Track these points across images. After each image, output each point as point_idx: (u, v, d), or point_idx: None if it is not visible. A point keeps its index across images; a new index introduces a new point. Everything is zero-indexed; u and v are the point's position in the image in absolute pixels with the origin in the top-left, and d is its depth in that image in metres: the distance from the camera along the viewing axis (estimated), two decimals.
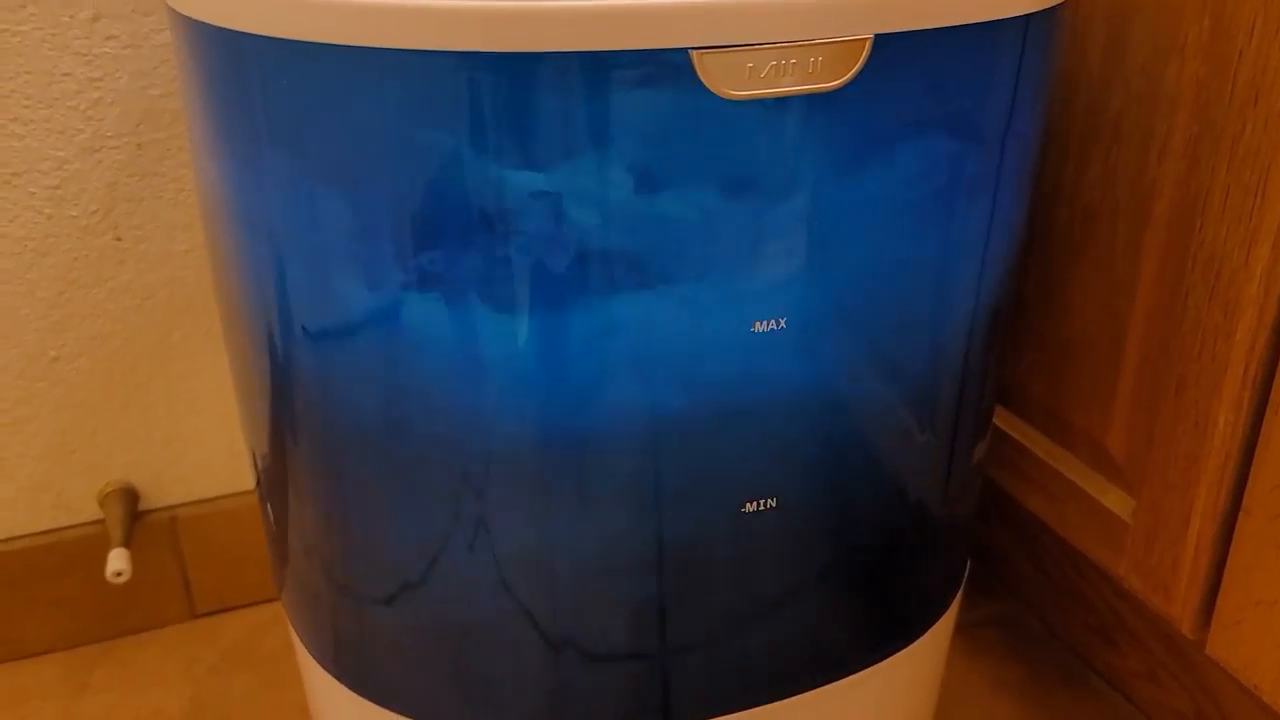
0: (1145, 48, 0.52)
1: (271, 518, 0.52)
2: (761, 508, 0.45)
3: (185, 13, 0.41)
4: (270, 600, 0.79)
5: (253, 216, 0.42)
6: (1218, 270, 0.50)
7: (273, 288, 0.43)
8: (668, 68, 0.35)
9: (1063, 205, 0.59)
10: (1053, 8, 0.42)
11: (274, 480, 0.50)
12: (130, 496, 0.74)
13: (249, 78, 0.39)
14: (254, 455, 0.52)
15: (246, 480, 0.77)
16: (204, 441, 0.75)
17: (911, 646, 0.56)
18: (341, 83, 0.37)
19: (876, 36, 0.37)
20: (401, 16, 0.35)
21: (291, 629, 0.56)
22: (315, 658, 0.53)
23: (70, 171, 0.66)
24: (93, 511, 0.74)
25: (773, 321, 0.41)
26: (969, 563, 0.60)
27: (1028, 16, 0.41)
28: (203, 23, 0.40)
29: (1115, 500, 0.59)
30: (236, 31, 0.38)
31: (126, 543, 0.70)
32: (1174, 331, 0.53)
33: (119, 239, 0.68)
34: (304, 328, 0.43)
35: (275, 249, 0.42)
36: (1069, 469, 0.62)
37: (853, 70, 0.37)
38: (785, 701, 0.53)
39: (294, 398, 0.45)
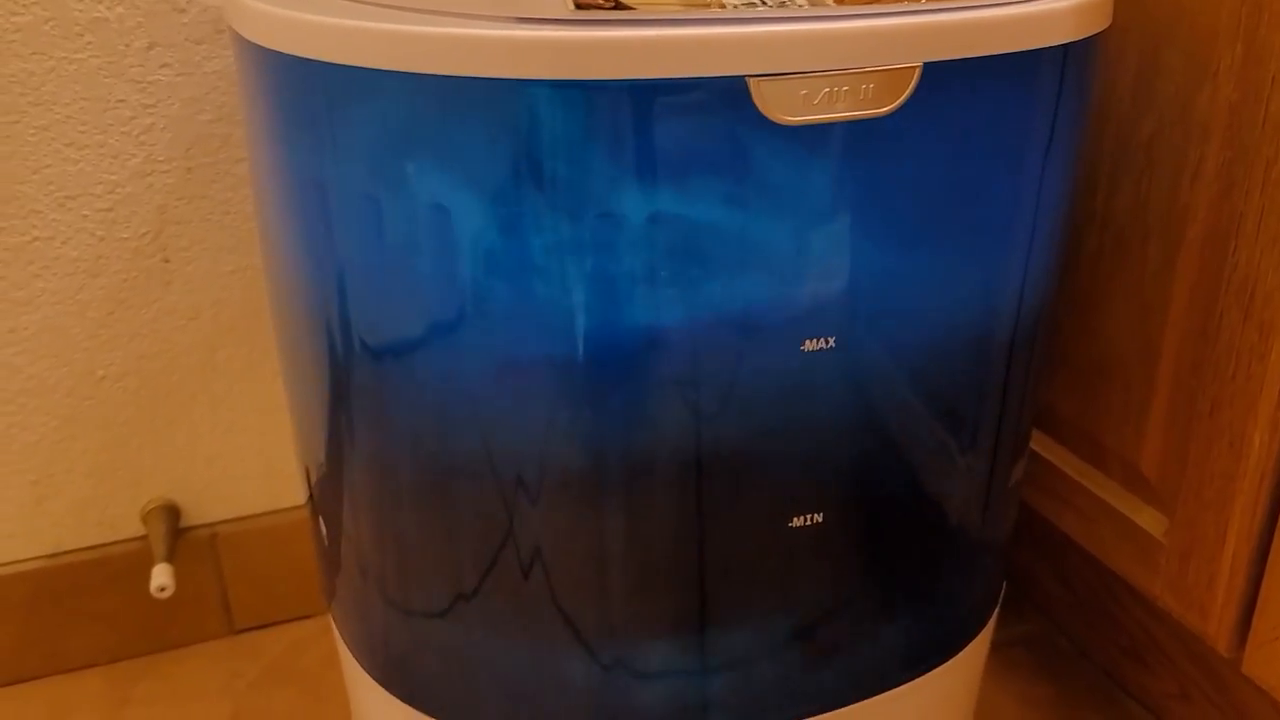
0: (1177, 74, 0.54)
1: (324, 530, 0.53)
2: (808, 523, 0.46)
3: (255, 40, 0.42)
4: (309, 616, 0.80)
5: (316, 236, 0.44)
6: (1252, 292, 0.51)
7: (335, 304, 0.44)
8: (726, 94, 0.37)
9: (1094, 229, 0.60)
10: (1092, 36, 0.44)
11: (328, 493, 0.51)
12: (172, 513, 0.75)
13: (317, 103, 0.41)
14: (307, 470, 0.53)
15: (286, 498, 0.78)
16: (245, 459, 0.76)
17: (948, 664, 0.56)
18: (408, 108, 0.39)
19: (925, 65, 0.38)
20: (471, 45, 0.36)
21: (339, 640, 0.57)
22: (365, 668, 0.54)
23: (122, 195, 0.67)
24: (136, 528, 0.75)
25: (821, 340, 0.42)
26: (1004, 582, 0.61)
27: (1068, 45, 0.42)
28: (272, 50, 0.41)
29: (1149, 519, 0.60)
30: (306, 59, 0.40)
31: (169, 559, 0.72)
32: (1207, 353, 0.54)
33: (167, 260, 0.70)
34: (364, 343, 0.44)
35: (338, 267, 0.43)
36: (1101, 489, 0.63)
37: (902, 97, 0.39)
38: (824, 716, 0.53)
39: (352, 413, 0.46)
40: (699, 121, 0.37)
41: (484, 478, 0.45)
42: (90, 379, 0.71)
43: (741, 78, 0.37)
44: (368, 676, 0.53)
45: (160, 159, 0.67)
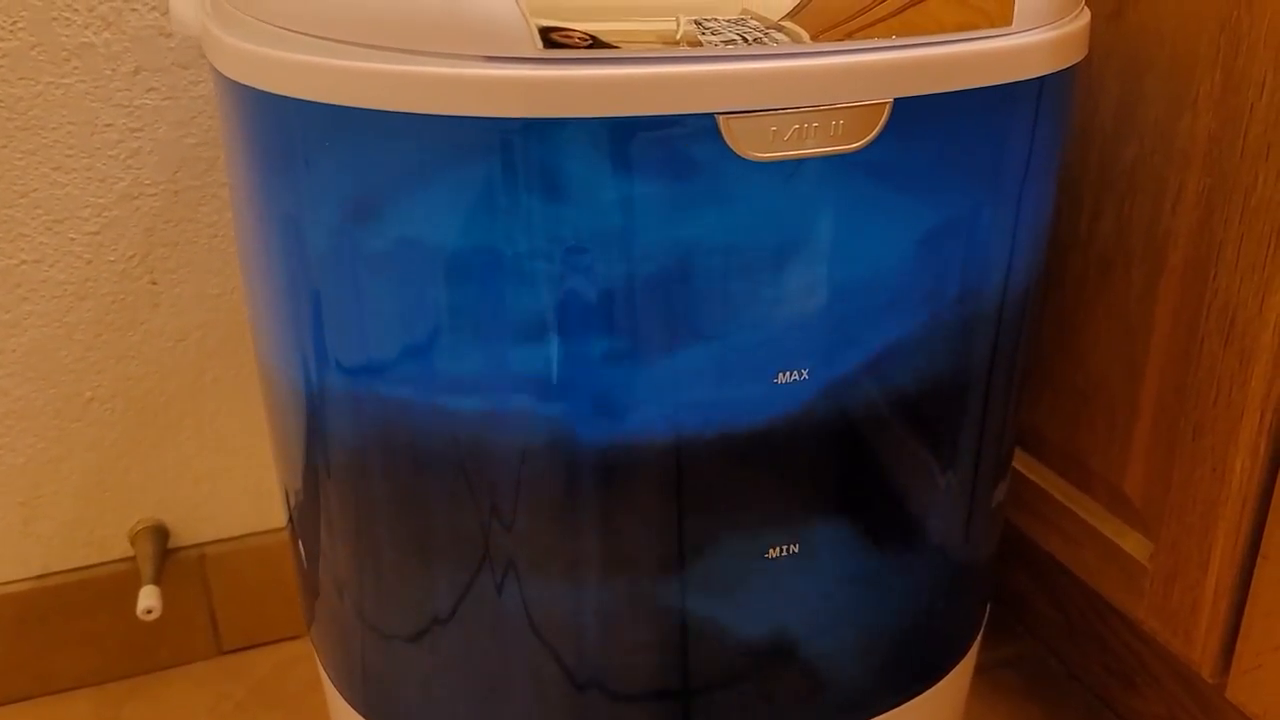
0: (1158, 102, 0.54)
1: (302, 554, 0.53)
2: (784, 553, 0.46)
3: (231, 76, 0.42)
4: (296, 637, 0.80)
5: (290, 266, 0.44)
6: (1232, 319, 0.51)
7: (309, 333, 0.45)
8: (696, 131, 0.37)
9: (1077, 254, 0.60)
10: (1066, 69, 0.44)
11: (305, 517, 0.51)
12: (160, 534, 0.75)
13: (290, 138, 0.41)
14: (286, 492, 0.53)
15: (274, 519, 0.78)
16: (233, 481, 0.76)
17: (931, 690, 0.56)
18: (380, 145, 0.39)
19: (896, 100, 0.38)
20: (440, 84, 0.36)
21: (320, 665, 0.57)
22: (343, 694, 0.54)
23: (109, 218, 0.68)
24: (124, 549, 0.75)
25: (795, 373, 0.42)
26: (989, 606, 0.61)
27: (1042, 78, 0.42)
28: (247, 86, 0.41)
29: (1133, 543, 0.60)
30: (280, 96, 0.40)
31: (157, 580, 0.72)
32: (1190, 378, 0.54)
33: (154, 283, 0.70)
34: (340, 366, 0.44)
35: (311, 297, 0.44)
36: (1086, 512, 0.63)
37: (873, 132, 0.39)
38: None
39: (327, 437, 0.46)
40: (669, 159, 0.37)
41: (460, 504, 0.45)
42: (78, 401, 0.71)
43: (711, 115, 0.37)
44: (346, 703, 0.53)
45: (147, 182, 0.68)
